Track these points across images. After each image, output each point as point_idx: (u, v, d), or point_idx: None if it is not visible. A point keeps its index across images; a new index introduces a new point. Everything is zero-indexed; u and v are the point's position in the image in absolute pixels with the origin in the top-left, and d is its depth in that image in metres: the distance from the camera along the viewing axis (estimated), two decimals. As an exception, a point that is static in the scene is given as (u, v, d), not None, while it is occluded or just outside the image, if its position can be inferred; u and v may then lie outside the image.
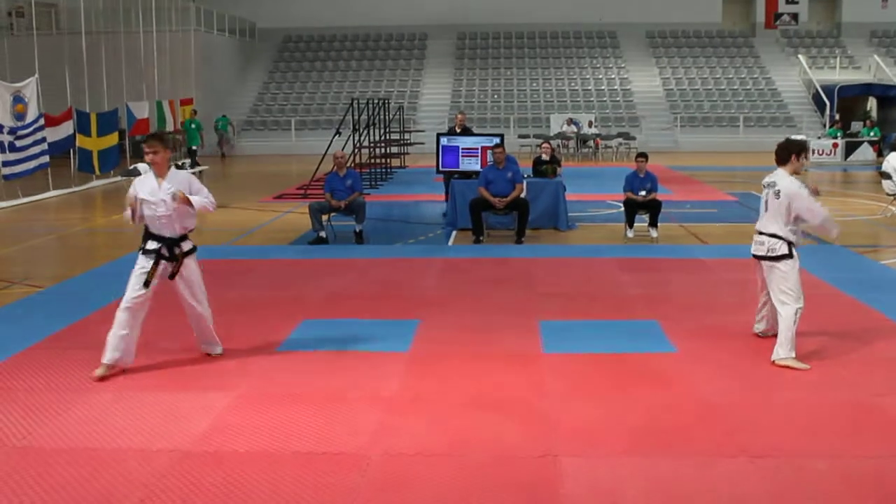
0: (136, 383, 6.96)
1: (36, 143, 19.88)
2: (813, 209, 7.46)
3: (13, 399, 6.58)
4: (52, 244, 14.67)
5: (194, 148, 28.20)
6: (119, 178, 23.27)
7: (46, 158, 20.35)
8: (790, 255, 7.42)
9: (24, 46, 27.06)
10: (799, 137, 29.98)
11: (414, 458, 5.50)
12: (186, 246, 7.39)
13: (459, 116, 16.95)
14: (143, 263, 7.20)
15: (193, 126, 28.23)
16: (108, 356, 7.05)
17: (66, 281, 11.11)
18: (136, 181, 7.33)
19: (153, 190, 7.19)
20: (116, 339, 7.06)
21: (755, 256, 7.65)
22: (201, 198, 7.31)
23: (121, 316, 7.09)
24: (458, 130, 16.25)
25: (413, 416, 6.24)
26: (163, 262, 7.23)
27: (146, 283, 7.13)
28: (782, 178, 7.51)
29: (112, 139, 23.74)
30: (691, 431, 5.93)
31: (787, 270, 7.39)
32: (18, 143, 19.27)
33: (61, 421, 6.16)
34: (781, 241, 7.43)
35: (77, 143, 22.41)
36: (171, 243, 7.28)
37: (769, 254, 7.46)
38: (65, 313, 9.12)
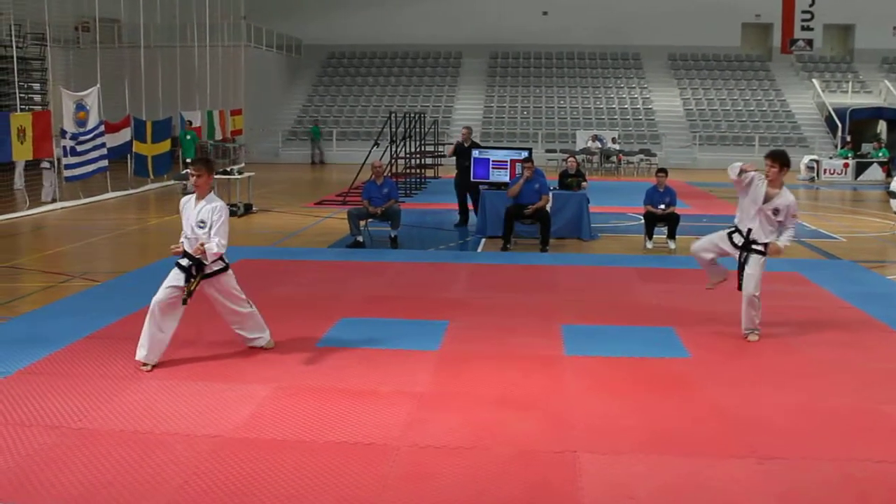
0: (182, 373, 7.02)
1: (96, 147, 20.08)
2: None
3: (71, 385, 6.66)
4: (109, 242, 14.82)
5: (189, 161, 24.12)
6: (171, 182, 23.48)
7: (105, 162, 20.55)
8: None
9: (88, 58, 27.35)
10: (812, 157, 29.91)
11: (440, 451, 5.50)
12: (215, 266, 7.27)
13: (464, 131, 16.89)
14: (177, 275, 7.19)
15: (189, 138, 24.67)
16: (145, 355, 7.11)
17: (121, 276, 11.23)
18: (184, 200, 7.32)
19: (189, 212, 7.22)
20: (152, 339, 7.12)
21: None
22: (213, 244, 7.09)
23: (152, 316, 7.11)
24: (466, 145, 16.17)
25: (441, 411, 6.24)
26: (193, 279, 7.21)
27: (184, 301, 7.14)
28: None
29: (165, 145, 23.98)
30: (703, 432, 5.88)
31: None
32: (79, 148, 19.49)
33: (114, 406, 6.22)
34: None
35: (133, 149, 22.64)
36: (198, 263, 7.20)
37: None
38: (119, 306, 9.21)
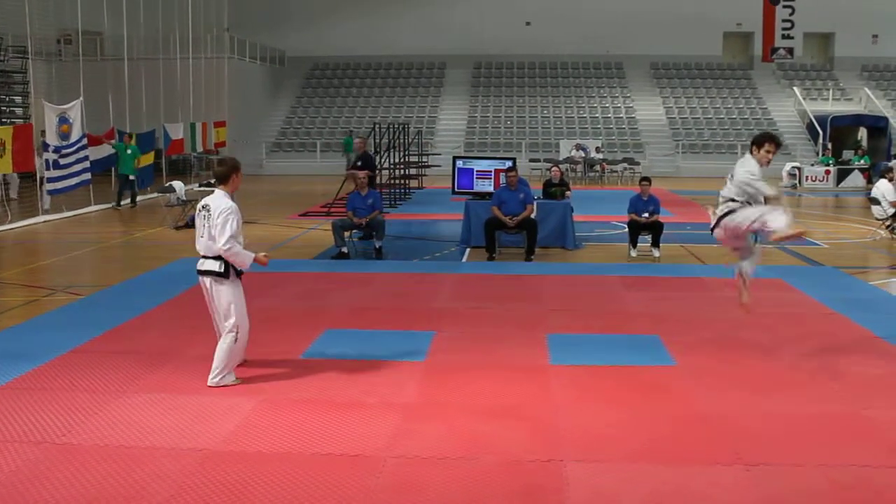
0: (167, 386, 6.98)
1: (79, 160, 19.96)
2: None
3: (55, 399, 6.61)
4: (93, 255, 14.74)
5: (131, 178, 21.89)
6: (155, 195, 23.36)
7: (88, 175, 20.40)
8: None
9: (70, 71, 27.28)
10: (794, 164, 30.06)
11: (427, 462, 5.49)
12: None
13: (358, 142, 16.63)
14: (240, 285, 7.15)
15: (129, 152, 21.93)
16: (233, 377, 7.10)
17: (105, 289, 11.16)
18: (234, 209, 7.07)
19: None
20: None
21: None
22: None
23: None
24: (360, 153, 15.87)
25: (427, 422, 6.23)
26: None
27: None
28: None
29: (149, 158, 23.86)
30: (690, 440, 5.90)
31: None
32: (62, 161, 19.36)
33: (98, 420, 6.18)
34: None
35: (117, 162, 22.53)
36: None
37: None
38: (103, 320, 9.15)
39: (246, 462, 5.45)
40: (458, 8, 41.12)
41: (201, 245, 7.01)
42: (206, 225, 6.95)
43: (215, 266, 6.96)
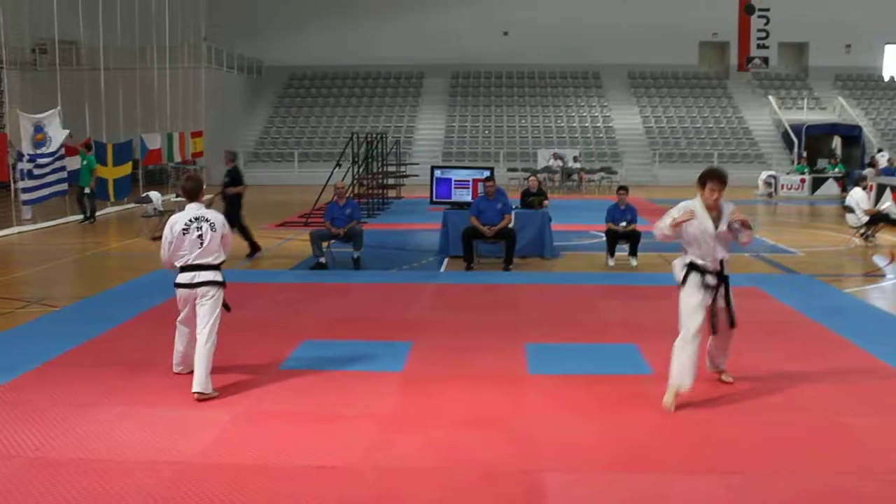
0: (143, 399, 6.93)
1: (54, 171, 19.78)
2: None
3: (28, 413, 6.54)
4: (68, 266, 14.62)
5: (87, 191, 20.69)
6: (132, 206, 23.20)
7: (64, 186, 20.20)
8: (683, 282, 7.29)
9: (46, 81, 27.13)
10: (769, 173, 30.29)
11: (405, 473, 5.48)
12: None
13: (225, 156, 16.18)
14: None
15: (85, 163, 20.71)
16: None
17: (81, 301, 11.07)
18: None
19: None
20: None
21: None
22: None
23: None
24: (227, 168, 15.59)
25: (405, 433, 6.22)
26: None
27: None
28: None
29: (126, 168, 23.69)
30: (666, 449, 5.93)
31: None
32: (37, 171, 19.18)
33: (73, 434, 6.12)
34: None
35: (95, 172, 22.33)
36: None
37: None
38: (78, 332, 9.07)
39: (224, 475, 5.42)
40: (436, 17, 41.21)
41: (208, 257, 7.08)
42: (211, 235, 7.09)
43: (219, 276, 7.15)
